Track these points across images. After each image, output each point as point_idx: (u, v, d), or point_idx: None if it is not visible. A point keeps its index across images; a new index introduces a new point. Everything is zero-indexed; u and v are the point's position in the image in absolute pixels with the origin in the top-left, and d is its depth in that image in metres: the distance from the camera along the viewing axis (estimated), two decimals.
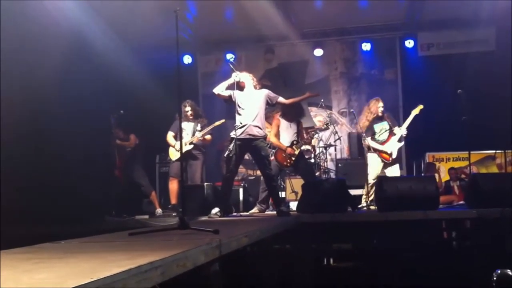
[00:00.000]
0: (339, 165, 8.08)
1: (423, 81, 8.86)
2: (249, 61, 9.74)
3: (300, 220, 4.90)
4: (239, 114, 5.48)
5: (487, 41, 9.02)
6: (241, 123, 5.43)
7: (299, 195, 6.55)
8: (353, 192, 6.48)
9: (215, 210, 5.36)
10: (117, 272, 1.42)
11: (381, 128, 6.50)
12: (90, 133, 6.34)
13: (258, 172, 6.85)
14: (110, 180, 7.04)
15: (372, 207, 6.08)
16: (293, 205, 6.55)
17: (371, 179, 6.32)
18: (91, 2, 6.57)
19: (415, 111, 6.41)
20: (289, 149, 6.35)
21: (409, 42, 9.41)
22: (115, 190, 7.02)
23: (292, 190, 7.44)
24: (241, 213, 6.46)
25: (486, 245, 4.63)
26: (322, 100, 8.15)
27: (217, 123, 6.57)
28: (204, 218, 5.32)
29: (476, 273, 4.22)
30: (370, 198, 6.21)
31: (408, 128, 6.40)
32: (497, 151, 7.75)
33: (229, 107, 5.95)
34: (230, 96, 5.53)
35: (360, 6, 8.74)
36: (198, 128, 6.56)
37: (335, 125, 8.63)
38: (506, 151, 7.09)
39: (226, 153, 5.42)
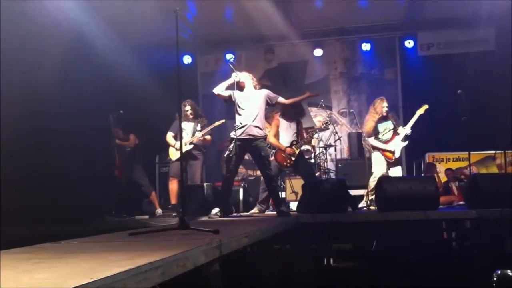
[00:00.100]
0: (339, 165, 8.07)
1: (423, 81, 8.86)
2: (249, 61, 9.74)
3: (300, 220, 4.90)
4: (239, 114, 5.47)
5: (487, 41, 9.02)
6: (241, 123, 5.42)
7: (299, 195, 6.54)
8: (353, 192, 6.48)
9: (215, 210, 5.36)
10: (117, 272, 1.42)
11: (385, 127, 6.51)
12: (90, 133, 6.34)
13: (258, 173, 6.85)
14: (110, 180, 7.04)
15: (372, 207, 6.08)
16: (293, 205, 6.54)
17: (376, 177, 6.33)
18: (91, 2, 6.57)
19: (420, 111, 6.41)
20: (288, 149, 6.34)
21: (409, 42, 9.41)
22: (115, 190, 7.03)
23: (292, 190, 7.43)
24: (241, 213, 6.46)
25: (486, 246, 4.63)
26: (322, 100, 8.15)
27: (217, 123, 6.56)
28: (204, 218, 5.32)
29: (476, 273, 4.22)
30: (371, 198, 6.21)
31: (412, 127, 6.41)
32: (497, 152, 7.75)
33: (229, 107, 5.95)
34: (230, 96, 5.53)
35: (360, 6, 8.75)
36: (198, 128, 6.56)
37: (335, 125, 8.63)
38: (506, 151, 7.09)
39: (226, 153, 5.42)
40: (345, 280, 4.95)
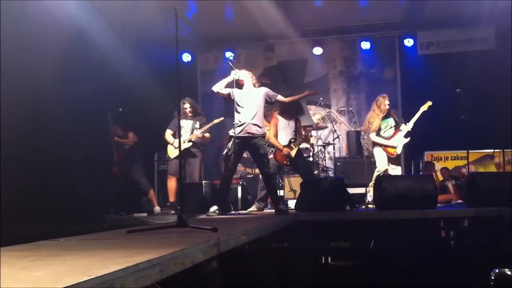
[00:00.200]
0: (338, 163, 8.08)
1: (422, 80, 8.86)
2: (248, 59, 9.74)
3: (299, 218, 4.91)
4: (238, 112, 5.48)
5: (486, 40, 9.01)
6: (240, 121, 5.44)
7: (297, 194, 6.56)
8: (352, 190, 6.49)
9: (214, 208, 5.38)
10: (115, 270, 1.42)
11: (386, 124, 6.53)
12: (90, 133, 6.35)
13: (257, 171, 6.86)
14: (109, 179, 7.05)
15: (370, 206, 6.10)
16: (292, 204, 6.56)
17: (381, 171, 6.34)
18: (91, 2, 6.58)
19: (424, 107, 6.41)
20: (285, 149, 6.35)
21: (409, 41, 9.40)
22: (113, 189, 7.04)
23: (290, 188, 7.44)
24: (240, 211, 6.46)
25: (484, 244, 4.64)
26: (321, 98, 8.16)
27: (216, 121, 6.57)
28: (203, 216, 5.33)
29: (474, 272, 4.23)
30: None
31: (415, 124, 6.42)
32: (495, 150, 7.76)
33: (228, 105, 5.96)
34: (229, 94, 5.54)
35: (360, 5, 8.74)
36: (197, 126, 6.56)
37: (333, 123, 8.64)
38: (505, 150, 7.10)
39: (225, 151, 5.44)
40: (343, 279, 4.96)
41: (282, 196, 7.37)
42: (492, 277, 3.63)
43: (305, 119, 8.71)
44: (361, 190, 6.82)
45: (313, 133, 7.95)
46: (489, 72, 7.74)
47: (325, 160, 7.96)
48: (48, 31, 5.54)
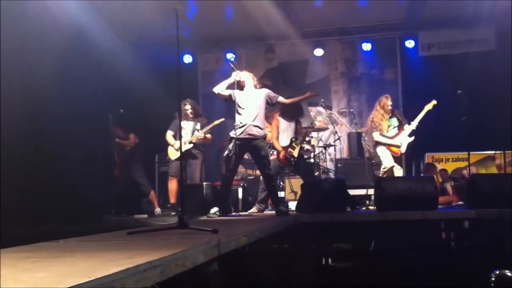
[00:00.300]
0: (339, 165, 8.06)
1: (423, 81, 8.85)
2: (249, 60, 9.74)
3: (299, 220, 4.91)
4: (239, 114, 5.47)
5: (487, 40, 9.01)
6: (241, 123, 5.43)
7: (298, 195, 6.55)
8: (353, 192, 6.48)
9: (214, 209, 5.37)
10: (116, 271, 1.42)
11: (390, 124, 6.52)
12: (90, 133, 6.34)
13: (258, 172, 6.85)
14: (109, 180, 7.05)
15: (371, 207, 6.09)
16: (292, 205, 6.55)
17: (387, 167, 6.32)
18: (91, 2, 6.57)
19: (429, 106, 6.40)
20: (282, 153, 6.35)
21: (410, 42, 9.40)
22: (114, 190, 7.03)
23: (291, 190, 7.43)
24: (240, 213, 6.46)
25: (484, 246, 4.64)
26: (322, 100, 8.15)
27: (217, 122, 6.57)
28: (203, 217, 5.33)
29: (475, 273, 4.22)
30: None
31: (418, 124, 6.41)
32: (496, 152, 7.75)
33: (229, 107, 5.95)
34: (230, 96, 5.53)
35: (360, 6, 8.74)
36: (198, 127, 6.56)
37: (334, 125, 8.63)
38: (506, 152, 7.09)
39: (226, 153, 5.43)
40: (343, 280, 4.95)
41: (283, 198, 7.37)
42: (493, 279, 3.62)
43: (306, 120, 8.70)
44: (362, 191, 6.82)
45: (314, 134, 7.93)
46: (489, 73, 7.74)
47: (326, 162, 7.94)
48: (48, 31, 5.53)
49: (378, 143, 6.53)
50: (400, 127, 6.49)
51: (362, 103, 9.55)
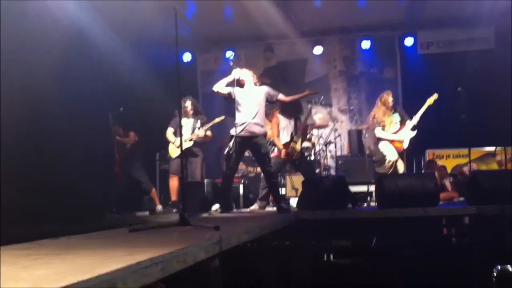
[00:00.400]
0: (339, 162, 8.07)
1: (422, 79, 8.84)
2: (248, 60, 9.73)
3: (300, 216, 4.91)
4: (239, 111, 5.47)
5: (486, 39, 9.02)
6: (241, 121, 5.42)
7: (299, 192, 6.55)
8: (353, 188, 6.48)
9: (215, 206, 5.38)
10: (117, 268, 1.42)
11: (391, 120, 6.52)
12: (90, 133, 6.33)
13: (258, 169, 6.86)
14: (110, 180, 7.05)
15: (372, 204, 6.09)
16: (293, 202, 6.55)
17: (391, 161, 6.31)
18: (91, 2, 6.57)
19: (430, 101, 6.37)
20: (283, 151, 6.35)
21: (409, 41, 9.40)
22: (115, 190, 7.03)
23: (292, 187, 7.44)
24: (241, 210, 6.46)
25: (485, 242, 4.64)
26: (322, 97, 8.15)
27: (217, 119, 6.58)
28: (205, 214, 5.33)
29: (476, 269, 4.23)
30: None
31: (421, 118, 6.39)
32: (497, 148, 7.75)
33: (228, 105, 5.95)
34: (229, 94, 5.53)
35: (359, 5, 8.73)
36: (198, 125, 6.57)
37: (335, 122, 8.64)
38: (506, 148, 7.09)
39: (226, 150, 5.43)
40: (344, 277, 4.95)
41: (284, 195, 7.37)
42: (494, 274, 3.63)
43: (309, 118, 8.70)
44: (363, 188, 6.81)
45: (314, 132, 7.94)
46: (489, 72, 7.75)
47: (326, 159, 7.95)
48: (48, 31, 5.52)
49: (380, 139, 6.51)
50: (402, 123, 6.50)
51: (362, 101, 9.56)
